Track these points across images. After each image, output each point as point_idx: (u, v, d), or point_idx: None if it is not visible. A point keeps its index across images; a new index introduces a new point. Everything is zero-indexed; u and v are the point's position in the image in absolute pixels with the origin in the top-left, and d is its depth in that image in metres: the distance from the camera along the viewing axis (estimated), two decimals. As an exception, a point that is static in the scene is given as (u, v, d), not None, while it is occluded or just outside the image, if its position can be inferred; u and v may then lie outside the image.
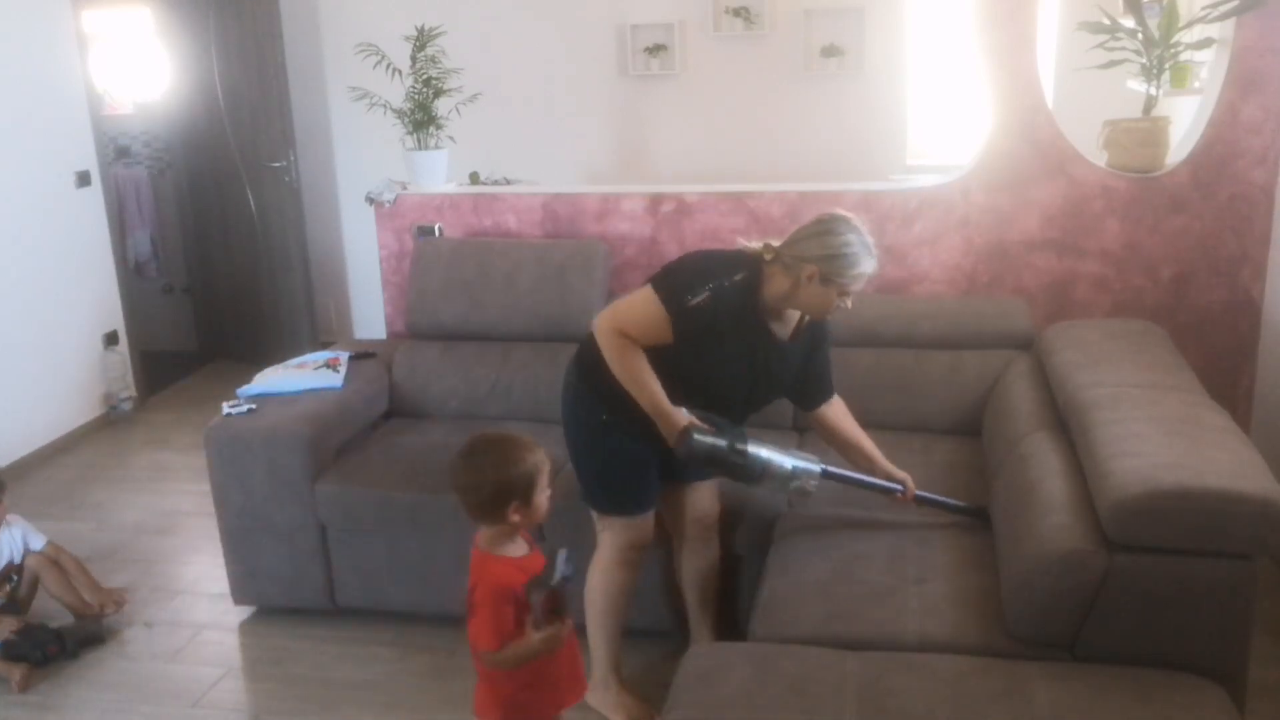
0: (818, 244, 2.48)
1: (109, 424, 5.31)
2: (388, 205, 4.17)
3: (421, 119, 4.16)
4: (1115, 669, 2.15)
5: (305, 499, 3.28)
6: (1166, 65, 3.59)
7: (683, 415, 2.53)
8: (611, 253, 3.96)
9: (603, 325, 2.58)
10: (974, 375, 3.40)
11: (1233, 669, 2.19)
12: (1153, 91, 3.60)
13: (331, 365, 3.66)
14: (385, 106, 4.24)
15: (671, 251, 3.99)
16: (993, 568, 2.52)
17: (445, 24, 4.30)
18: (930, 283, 3.85)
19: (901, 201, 3.82)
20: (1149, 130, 3.64)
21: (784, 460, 2.59)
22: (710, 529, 2.92)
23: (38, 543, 3.45)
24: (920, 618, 2.38)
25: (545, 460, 2.22)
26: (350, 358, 3.77)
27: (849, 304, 2.55)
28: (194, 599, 3.65)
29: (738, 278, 2.53)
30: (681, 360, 2.55)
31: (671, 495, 2.86)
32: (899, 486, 2.76)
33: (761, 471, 2.56)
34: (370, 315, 5.98)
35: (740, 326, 2.56)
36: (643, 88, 5.67)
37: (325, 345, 4.58)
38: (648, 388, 2.53)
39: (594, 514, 2.82)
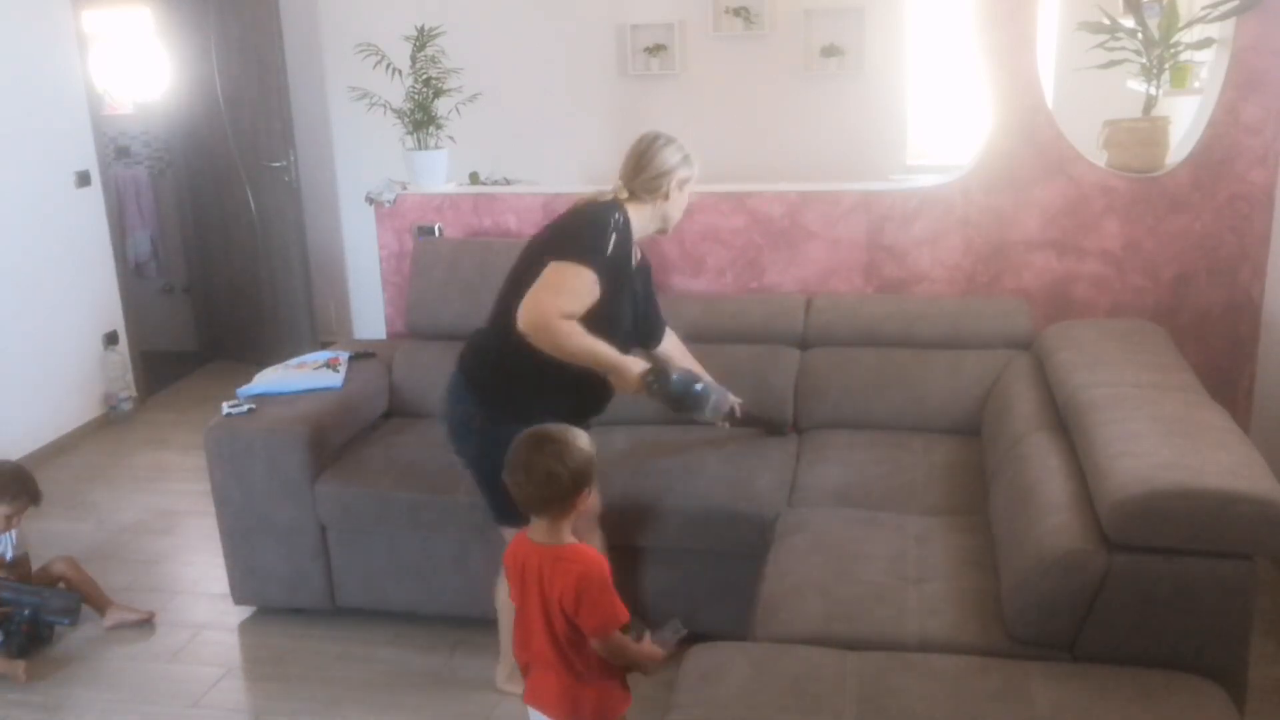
0: (668, 155, 2.72)
1: (109, 424, 5.31)
2: (388, 205, 4.17)
3: (421, 119, 4.16)
4: (1115, 669, 2.15)
5: (305, 499, 3.28)
6: (1166, 65, 3.60)
7: (638, 363, 2.66)
8: (611, 253, 3.96)
9: (540, 319, 2.52)
10: (974, 375, 3.40)
11: (1233, 669, 2.19)
12: (1153, 91, 3.60)
13: (331, 365, 3.66)
14: (385, 106, 4.24)
15: (671, 251, 4.00)
16: (993, 568, 2.53)
17: (445, 24, 4.30)
18: (930, 283, 3.85)
19: (901, 201, 3.82)
20: (1149, 130, 3.64)
21: (711, 384, 2.89)
22: (595, 520, 2.97)
23: (9, 552, 3.48)
24: (920, 618, 2.38)
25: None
26: (350, 358, 3.77)
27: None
28: (194, 599, 3.65)
29: (617, 216, 2.68)
30: (602, 311, 2.60)
31: None
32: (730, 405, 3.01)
33: (711, 400, 2.85)
34: (370, 315, 5.97)
35: (630, 261, 2.74)
36: (643, 88, 5.67)
37: (325, 345, 4.58)
38: (601, 350, 2.58)
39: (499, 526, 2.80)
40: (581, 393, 2.72)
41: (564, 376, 2.62)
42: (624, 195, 2.73)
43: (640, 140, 2.76)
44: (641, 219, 2.74)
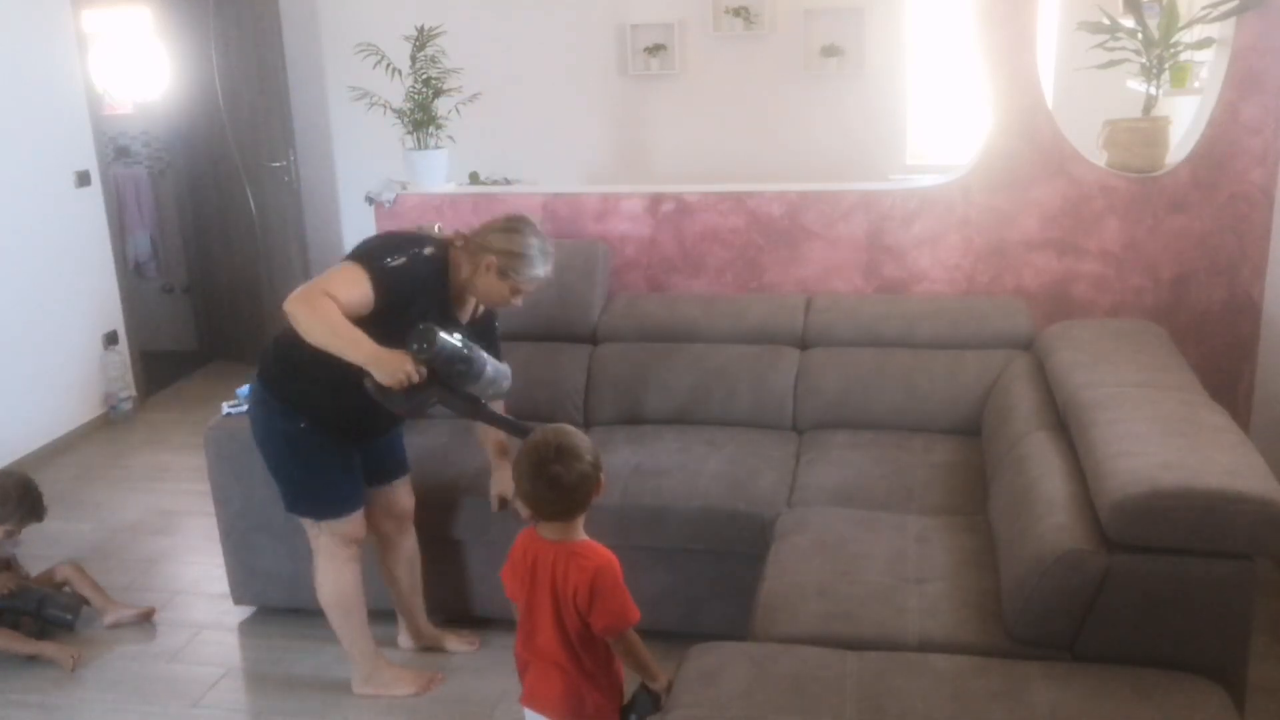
0: (503, 239, 2.70)
1: (109, 424, 5.31)
2: (388, 205, 4.17)
3: (421, 119, 4.16)
4: (1115, 669, 2.15)
5: (305, 499, 3.28)
6: (1166, 65, 3.60)
7: (398, 351, 2.54)
8: (611, 253, 3.96)
9: (301, 294, 2.56)
10: (974, 375, 3.40)
11: (1233, 669, 2.19)
12: (1153, 91, 3.60)
13: (331, 365, 3.65)
14: (385, 106, 4.24)
15: (671, 251, 4.00)
16: (993, 568, 2.53)
17: (445, 24, 4.30)
18: (930, 282, 3.85)
19: (901, 201, 3.82)
20: (1149, 130, 3.64)
21: (491, 370, 2.69)
22: (408, 521, 3.08)
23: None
24: (920, 618, 2.38)
25: None
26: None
27: (519, 303, 2.77)
28: (194, 599, 3.65)
29: (428, 251, 2.71)
30: (380, 333, 2.55)
31: (374, 497, 2.97)
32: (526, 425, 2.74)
33: (488, 371, 2.65)
34: (370, 315, 5.96)
35: (431, 300, 2.70)
36: (643, 87, 5.67)
37: (325, 345, 4.58)
38: (355, 335, 2.54)
39: (305, 522, 2.89)
40: (341, 394, 2.67)
41: (331, 373, 2.62)
42: (459, 243, 2.74)
43: (508, 215, 2.79)
44: (460, 273, 2.72)
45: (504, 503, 3.00)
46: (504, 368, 2.75)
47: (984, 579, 2.50)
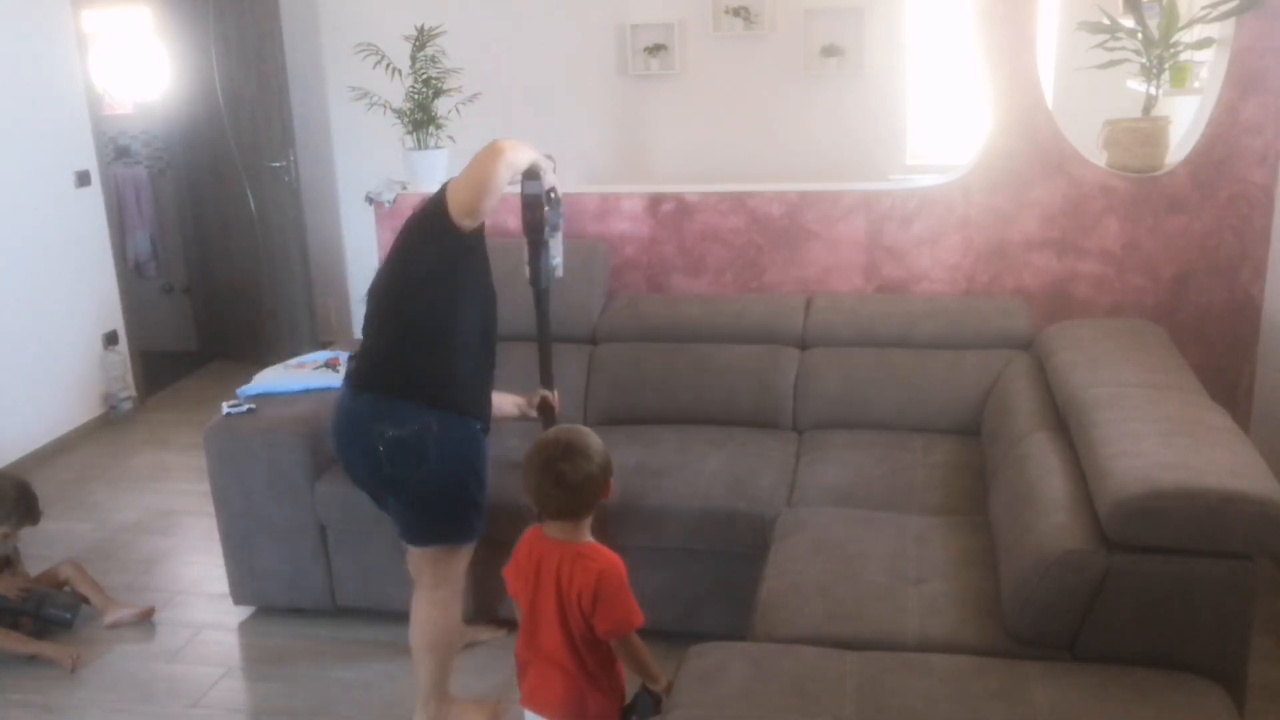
0: None
1: (109, 424, 5.31)
2: (388, 205, 4.17)
3: (421, 119, 4.16)
4: (1115, 669, 2.15)
5: (305, 499, 3.28)
6: (1166, 65, 3.60)
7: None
8: (611, 253, 3.96)
9: (484, 155, 2.53)
10: (974, 375, 3.41)
11: (1233, 669, 2.19)
12: (1153, 91, 3.60)
13: (331, 365, 3.65)
14: (385, 106, 4.24)
15: (671, 251, 4.00)
16: (993, 568, 2.52)
17: (445, 24, 4.30)
18: (930, 282, 3.85)
19: (901, 201, 3.82)
20: (1149, 130, 3.64)
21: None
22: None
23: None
24: (920, 618, 2.38)
25: None
26: (350, 358, 3.76)
27: None
28: (194, 599, 3.65)
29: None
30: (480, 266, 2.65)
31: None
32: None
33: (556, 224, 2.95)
34: (370, 315, 5.97)
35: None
36: (643, 87, 5.67)
37: (325, 345, 4.59)
38: (514, 146, 2.61)
39: (436, 553, 2.69)
40: (488, 337, 2.70)
41: (476, 342, 2.63)
42: None
43: None
44: None
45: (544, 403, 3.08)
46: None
47: (984, 579, 2.50)
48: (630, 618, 2.19)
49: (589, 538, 2.26)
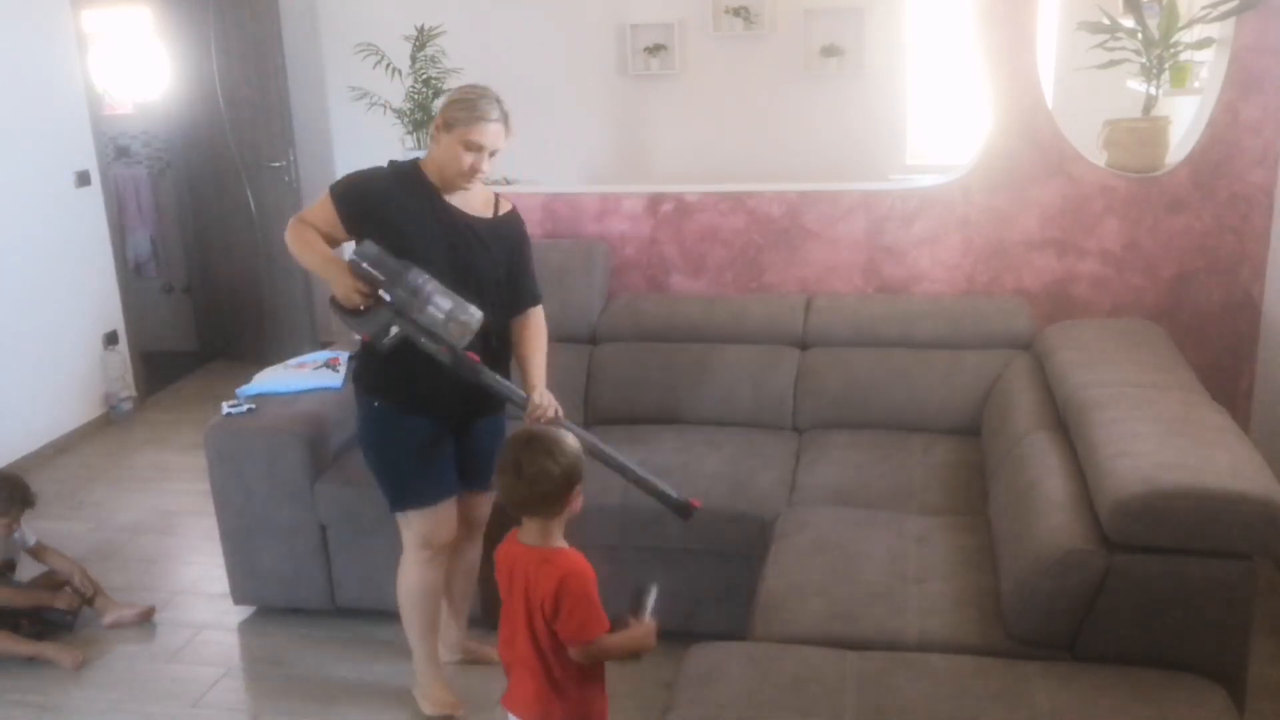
0: (447, 98, 2.68)
1: (109, 424, 5.31)
2: (388, 205, 4.16)
3: (421, 119, 4.17)
4: (1115, 669, 2.15)
5: (305, 499, 3.28)
6: (1166, 65, 3.59)
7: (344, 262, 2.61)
8: (611, 252, 3.96)
9: (289, 224, 2.72)
10: (973, 375, 3.41)
11: (1233, 669, 2.19)
12: (1152, 91, 3.60)
13: (331, 365, 3.65)
14: (385, 106, 4.24)
15: (671, 251, 4.00)
16: (993, 568, 2.53)
17: (445, 24, 4.31)
18: (930, 282, 3.85)
19: (901, 201, 3.82)
20: (1149, 130, 3.64)
21: (443, 299, 2.53)
22: (479, 531, 3.03)
23: (31, 538, 3.50)
24: (920, 618, 2.38)
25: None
26: (350, 358, 3.77)
27: (479, 164, 2.61)
28: (194, 599, 3.65)
29: (390, 163, 2.77)
30: (390, 241, 2.59)
31: (460, 501, 2.89)
32: (522, 395, 2.73)
33: (413, 290, 2.51)
34: (370, 315, 5.97)
35: (409, 196, 2.66)
36: (643, 87, 5.67)
37: (325, 345, 4.58)
38: (318, 250, 2.66)
39: (396, 517, 2.84)
40: (411, 364, 2.66)
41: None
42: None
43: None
44: (431, 162, 2.69)
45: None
46: (469, 308, 2.54)
47: (984, 579, 2.50)
48: (590, 625, 2.11)
49: (560, 543, 2.21)
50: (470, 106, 2.59)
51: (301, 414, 3.34)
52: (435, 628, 2.96)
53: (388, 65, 4.24)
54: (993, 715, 2.03)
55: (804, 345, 3.64)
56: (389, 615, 3.32)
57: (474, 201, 2.75)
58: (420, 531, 2.81)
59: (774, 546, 2.79)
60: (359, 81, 4.38)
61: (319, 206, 2.70)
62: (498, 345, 2.78)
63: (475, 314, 2.56)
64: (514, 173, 5.12)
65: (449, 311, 2.53)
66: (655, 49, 5.56)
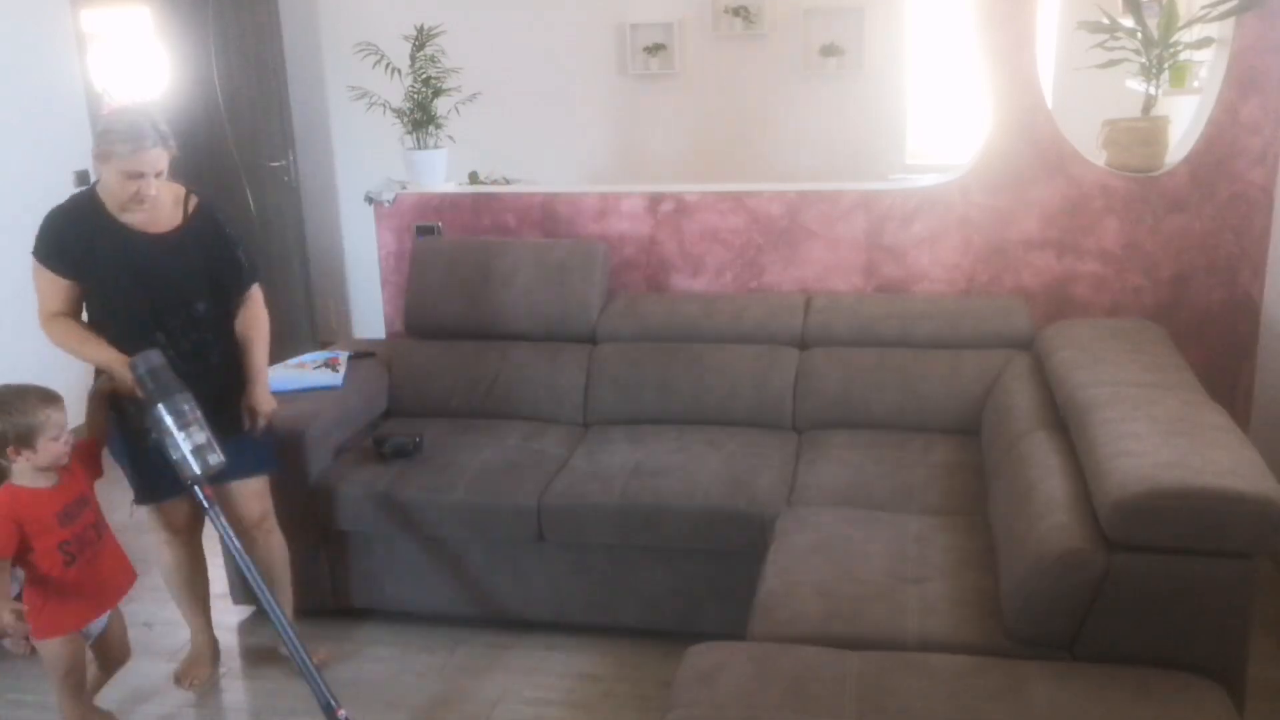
0: (102, 126, 2.69)
1: (108, 424, 5.30)
2: (387, 205, 4.17)
3: (421, 118, 4.16)
4: (1115, 669, 2.15)
5: (305, 499, 3.28)
6: (1166, 65, 3.60)
7: (124, 358, 2.69)
8: (611, 252, 3.96)
9: (42, 328, 2.79)
10: (973, 375, 3.41)
11: (1232, 669, 2.19)
12: (1152, 91, 3.60)
13: (331, 365, 3.66)
14: (385, 106, 4.24)
15: (671, 251, 4.00)
16: (992, 568, 2.53)
17: (445, 24, 4.30)
18: (930, 282, 3.85)
19: (901, 201, 3.82)
20: (1148, 130, 3.64)
21: (183, 434, 2.62)
22: (259, 527, 3.06)
23: None
24: (920, 618, 2.38)
25: (54, 416, 2.55)
26: (350, 357, 3.77)
27: (146, 189, 2.66)
28: (194, 599, 3.65)
29: (75, 194, 2.82)
30: (93, 295, 2.77)
31: (220, 495, 2.91)
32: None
33: (177, 412, 2.62)
34: (370, 315, 5.98)
35: (95, 230, 2.74)
36: (642, 87, 5.67)
37: (325, 345, 4.58)
38: (88, 345, 2.76)
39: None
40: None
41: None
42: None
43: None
44: (103, 190, 2.73)
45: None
46: (218, 452, 2.65)
47: (984, 579, 2.50)
48: None
49: (22, 481, 2.58)
50: (123, 138, 2.61)
51: (301, 414, 3.34)
52: (198, 603, 3.16)
53: (387, 65, 4.24)
54: (992, 715, 2.03)
55: (804, 345, 3.64)
56: (389, 615, 3.33)
57: (161, 213, 2.80)
58: (159, 520, 3.01)
59: (774, 546, 2.79)
60: (359, 81, 4.37)
61: (42, 283, 2.80)
62: (219, 361, 2.90)
63: (220, 459, 2.66)
64: (513, 173, 5.13)
65: (199, 446, 2.63)
66: (655, 49, 5.56)
